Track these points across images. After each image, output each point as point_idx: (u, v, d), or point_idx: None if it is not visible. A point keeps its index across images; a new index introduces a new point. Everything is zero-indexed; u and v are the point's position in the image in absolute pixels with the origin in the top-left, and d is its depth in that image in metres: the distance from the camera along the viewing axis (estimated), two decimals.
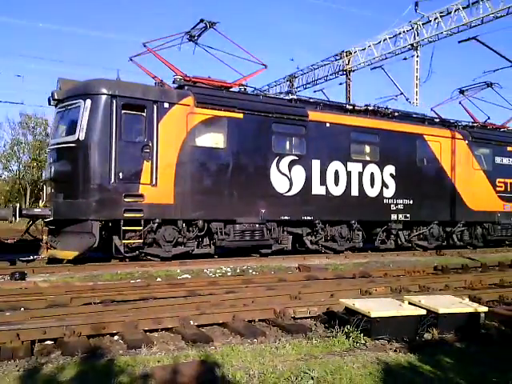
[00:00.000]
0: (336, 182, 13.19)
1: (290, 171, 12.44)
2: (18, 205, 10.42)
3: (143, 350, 4.51)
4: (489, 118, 18.43)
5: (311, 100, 14.09)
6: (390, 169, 14.18)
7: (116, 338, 5.10)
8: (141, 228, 10.46)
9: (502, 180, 16.76)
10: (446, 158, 15.34)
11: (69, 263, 10.25)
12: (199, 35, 12.80)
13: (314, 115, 12.97)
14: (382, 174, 14.03)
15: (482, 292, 7.47)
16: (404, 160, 14.46)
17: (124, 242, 10.40)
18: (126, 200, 10.28)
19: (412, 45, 21.09)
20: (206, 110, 11.33)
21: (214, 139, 11.59)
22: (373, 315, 4.89)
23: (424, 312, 5.19)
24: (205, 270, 10.16)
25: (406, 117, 15.38)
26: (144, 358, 4.19)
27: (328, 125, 13.11)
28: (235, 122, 11.71)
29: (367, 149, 14.25)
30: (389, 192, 14.13)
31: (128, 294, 7.07)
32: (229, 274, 10.14)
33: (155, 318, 5.39)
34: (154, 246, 10.97)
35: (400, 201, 14.36)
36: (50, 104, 11.30)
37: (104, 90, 10.36)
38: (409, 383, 3.70)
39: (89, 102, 10.30)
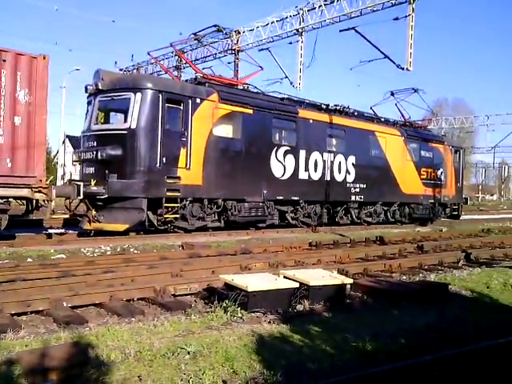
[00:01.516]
0: (315, 169, 15.85)
1: (284, 159, 14.83)
2: (81, 183, 11.19)
3: (9, 335, 4.21)
4: (409, 118, 22.06)
5: (295, 99, 16.40)
6: (351, 159, 17.16)
7: None
8: (178, 205, 12.20)
9: (425, 169, 20.49)
10: (389, 150, 18.66)
11: None
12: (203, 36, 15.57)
13: (302, 113, 15.50)
14: (346, 163, 16.97)
15: (349, 265, 8.16)
16: (361, 151, 17.52)
17: (165, 216, 12.06)
18: (167, 181, 11.93)
19: (297, 30, 21.77)
20: (227, 105, 13.29)
21: (232, 131, 13.61)
22: (250, 289, 5.10)
23: (297, 285, 5.52)
24: (82, 250, 9.70)
25: (361, 116, 18.50)
26: (9, 343, 3.91)
27: (311, 121, 15.73)
28: (247, 117, 13.82)
29: (337, 142, 17.01)
30: (350, 178, 17.15)
31: None
32: (108, 253, 9.80)
33: (24, 300, 5.05)
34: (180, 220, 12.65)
35: (357, 185, 17.43)
36: (87, 92, 12.38)
37: (152, 86, 11.93)
38: (279, 352, 3.93)
39: (139, 95, 11.71)
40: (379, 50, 17.63)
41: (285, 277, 5.75)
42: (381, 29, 21.39)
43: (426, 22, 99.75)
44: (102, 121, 12.46)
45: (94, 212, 11.67)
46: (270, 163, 14.37)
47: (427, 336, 4.45)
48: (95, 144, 11.99)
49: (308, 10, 21.47)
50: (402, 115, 21.94)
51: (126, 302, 5.61)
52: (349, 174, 17.01)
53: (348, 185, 17.04)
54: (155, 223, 12.11)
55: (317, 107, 16.74)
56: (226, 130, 13.42)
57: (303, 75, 22.14)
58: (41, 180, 9.99)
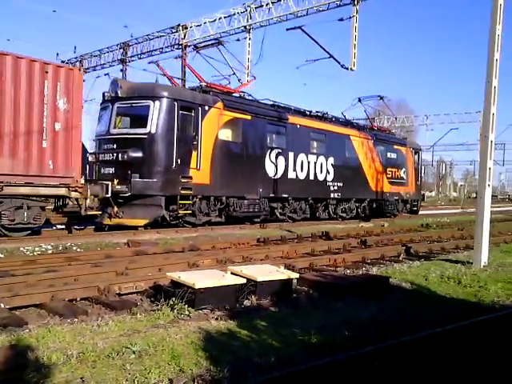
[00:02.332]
0: (301, 169, 17.48)
1: (276, 160, 16.39)
2: (109, 183, 11.99)
3: None
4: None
5: (283, 105, 17.82)
6: (331, 160, 18.86)
7: None
8: (191, 202, 13.52)
9: (390, 169, 22.78)
10: (361, 152, 20.71)
11: None
12: (203, 47, 16.64)
13: (291, 119, 17.16)
14: (326, 164, 18.68)
15: (296, 260, 8.29)
16: (339, 153, 19.37)
17: (180, 212, 13.32)
18: (182, 180, 13.20)
19: (245, 27, 21.83)
20: (230, 112, 14.68)
21: (234, 135, 14.96)
22: (197, 286, 5.08)
23: (244, 281, 5.56)
24: (21, 249, 9.30)
25: (337, 121, 20.60)
26: None
27: (298, 126, 17.38)
28: (247, 123, 15.28)
29: (318, 145, 18.60)
30: (330, 177, 18.89)
31: None
32: (50, 252, 9.44)
33: None
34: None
35: (336, 183, 19.19)
36: (105, 98, 13.49)
37: (168, 94, 13.16)
38: (227, 347, 3.95)
39: (158, 103, 12.93)
40: (324, 49, 18.02)
41: (232, 273, 5.77)
42: (327, 29, 21.91)
43: (371, 23, 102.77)
44: (120, 125, 13.48)
45: (116, 208, 12.63)
46: (265, 164, 15.99)
47: (370, 327, 4.61)
48: (115, 147, 13.01)
49: (256, 8, 21.59)
50: (370, 120, 24.72)
51: (68, 302, 5.44)
52: (328, 173, 18.83)
53: (328, 183, 18.83)
54: (167, 218, 13.31)
55: (301, 113, 18.54)
56: (229, 135, 14.86)
57: (251, 72, 22.28)
58: (77, 180, 11.28)
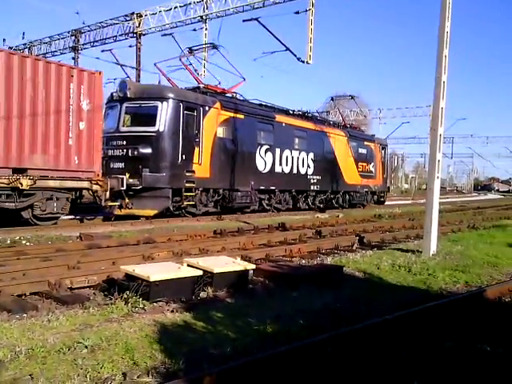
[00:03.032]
0: (287, 164, 19.17)
1: (265, 156, 17.94)
2: (123, 177, 13.04)
3: None
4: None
5: (269, 105, 19.38)
6: (311, 155, 20.62)
7: None
8: (194, 194, 14.92)
9: (361, 164, 24.67)
10: (337, 148, 22.68)
11: None
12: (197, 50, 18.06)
13: (278, 117, 18.77)
14: (307, 159, 20.41)
15: (252, 252, 8.34)
16: (318, 149, 21.20)
17: (184, 203, 14.69)
18: (186, 174, 14.54)
19: (201, 17, 21.57)
20: (226, 112, 16.15)
21: (229, 133, 16.37)
22: (152, 279, 5.01)
23: (200, 273, 5.54)
24: None
25: (316, 119, 22.70)
26: None
27: (284, 124, 19.03)
28: (240, 121, 16.72)
29: (300, 141, 20.20)
30: (310, 171, 20.64)
31: None
32: None
33: None
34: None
35: (315, 177, 20.95)
36: (113, 98, 14.65)
37: (175, 96, 14.48)
38: (182, 339, 3.92)
39: (165, 104, 14.19)
40: (280, 41, 18.08)
41: (188, 265, 5.72)
42: (284, 22, 22.04)
43: (327, 17, 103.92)
44: (129, 123, 14.50)
45: (127, 200, 13.63)
46: (255, 159, 17.51)
47: (324, 316, 4.71)
48: (125, 143, 14.05)
49: None
50: (343, 117, 26.71)
51: (16, 297, 5.24)
52: (309, 167, 20.63)
53: (308, 177, 20.60)
54: (171, 209, 14.55)
55: (286, 112, 20.25)
56: (225, 132, 16.26)
57: (208, 63, 22.06)
58: (98, 174, 12.43)
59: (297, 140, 19.92)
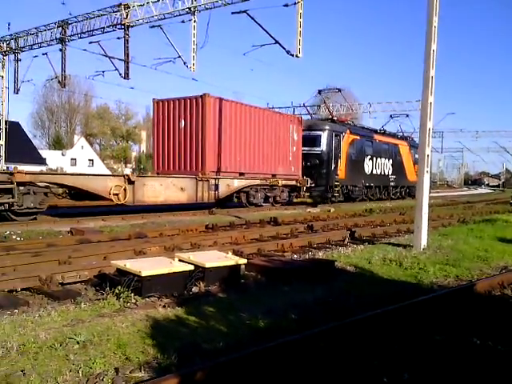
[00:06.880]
0: (379, 168, 28.08)
1: (368, 163, 26.90)
2: (307, 179, 21.82)
3: None
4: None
5: (370, 128, 28.06)
6: (390, 161, 29.65)
7: None
8: (338, 188, 24.10)
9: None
10: (403, 154, 31.28)
11: None
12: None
13: (376, 136, 27.78)
14: (388, 164, 29.56)
15: (244, 246, 8.33)
16: (393, 156, 29.87)
17: (333, 194, 23.67)
18: (335, 177, 23.54)
19: (190, 8, 21.30)
20: (351, 135, 25.54)
21: (352, 149, 25.74)
22: (143, 274, 5.00)
23: (192, 267, 5.53)
24: None
25: (392, 134, 31.52)
26: None
27: (377, 140, 28.26)
28: (357, 141, 26.17)
29: (385, 151, 29.53)
30: (390, 172, 29.89)
31: None
32: None
33: None
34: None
35: (392, 176, 30.09)
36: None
37: (329, 128, 23.56)
38: (174, 334, 3.93)
39: (325, 133, 23.23)
40: (270, 35, 17.90)
41: (180, 260, 5.71)
42: (273, 14, 21.97)
43: (317, 10, 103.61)
44: (304, 146, 22.09)
45: (303, 192, 21.44)
46: (364, 165, 26.43)
47: (315, 310, 4.73)
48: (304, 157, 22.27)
49: None
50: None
51: (7, 293, 5.21)
52: (389, 170, 29.26)
53: (389, 176, 29.41)
54: (328, 196, 23.25)
55: (376, 131, 29.32)
56: (350, 149, 24.95)
57: (197, 56, 21.87)
58: (299, 176, 21.46)
59: (383, 151, 28.52)
